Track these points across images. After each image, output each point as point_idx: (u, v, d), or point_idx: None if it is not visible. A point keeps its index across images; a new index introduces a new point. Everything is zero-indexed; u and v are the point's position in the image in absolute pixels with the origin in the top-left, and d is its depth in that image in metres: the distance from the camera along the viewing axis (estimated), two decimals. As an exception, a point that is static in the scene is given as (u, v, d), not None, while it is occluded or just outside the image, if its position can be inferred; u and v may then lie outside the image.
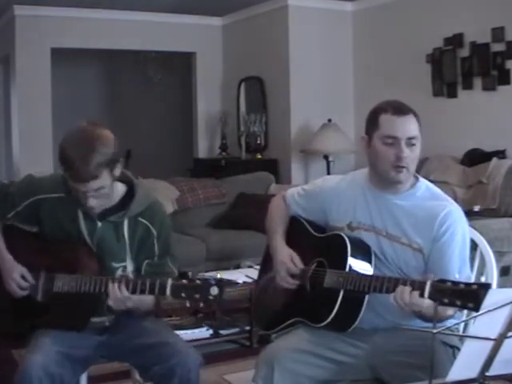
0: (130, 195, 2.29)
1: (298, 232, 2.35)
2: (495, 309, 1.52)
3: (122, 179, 2.30)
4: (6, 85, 8.06)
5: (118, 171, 2.18)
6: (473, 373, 1.60)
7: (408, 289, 1.86)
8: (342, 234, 2.15)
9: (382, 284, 1.95)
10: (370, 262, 2.11)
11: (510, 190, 4.80)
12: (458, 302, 1.74)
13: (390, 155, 2.07)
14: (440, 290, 1.78)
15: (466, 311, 2.21)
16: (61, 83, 7.94)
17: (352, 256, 2.09)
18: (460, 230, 2.10)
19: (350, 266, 2.08)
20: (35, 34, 6.75)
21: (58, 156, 2.11)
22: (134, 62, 8.83)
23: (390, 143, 2.07)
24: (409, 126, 2.07)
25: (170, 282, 2.03)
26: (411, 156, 2.08)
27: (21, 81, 6.89)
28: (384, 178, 2.12)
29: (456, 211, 2.12)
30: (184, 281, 2.02)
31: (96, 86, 9.04)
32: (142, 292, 2.09)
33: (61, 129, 8.64)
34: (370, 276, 2.03)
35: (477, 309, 1.71)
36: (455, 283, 1.76)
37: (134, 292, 2.10)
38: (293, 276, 2.24)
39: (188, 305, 2.02)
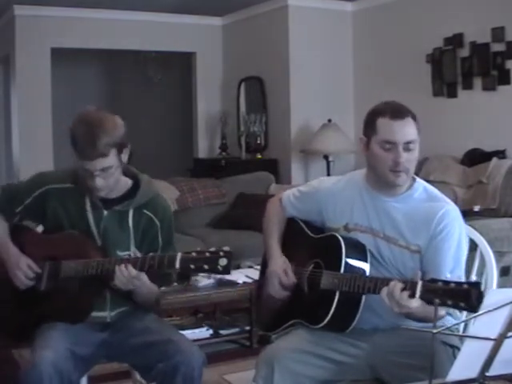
0: (134, 187, 2.37)
1: (296, 233, 2.35)
2: (495, 309, 1.52)
3: (128, 174, 2.38)
4: (6, 85, 8.06)
5: (125, 157, 2.26)
6: (473, 373, 1.60)
7: (400, 285, 1.87)
8: (337, 235, 2.15)
9: (376, 285, 1.96)
10: (365, 262, 2.11)
11: (510, 190, 4.80)
12: (450, 302, 1.74)
13: (387, 160, 2.07)
14: (431, 290, 1.79)
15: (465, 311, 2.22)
16: (61, 83, 7.94)
17: (347, 256, 2.09)
18: (457, 230, 2.10)
19: (346, 267, 2.08)
20: (35, 34, 6.75)
21: (70, 136, 2.19)
22: (134, 61, 8.83)
23: (388, 148, 2.06)
24: (406, 130, 2.07)
25: (179, 254, 2.06)
26: (410, 159, 2.08)
27: (21, 81, 6.89)
28: (383, 180, 2.12)
29: (453, 211, 2.12)
30: (193, 253, 2.04)
31: (96, 86, 9.04)
32: (151, 267, 2.12)
33: (61, 129, 8.62)
34: (364, 277, 2.03)
35: (468, 308, 1.72)
36: (446, 283, 1.76)
37: (142, 268, 2.12)
38: (285, 287, 2.24)
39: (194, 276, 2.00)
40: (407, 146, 2.06)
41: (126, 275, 2.13)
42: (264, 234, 2.42)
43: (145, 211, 2.35)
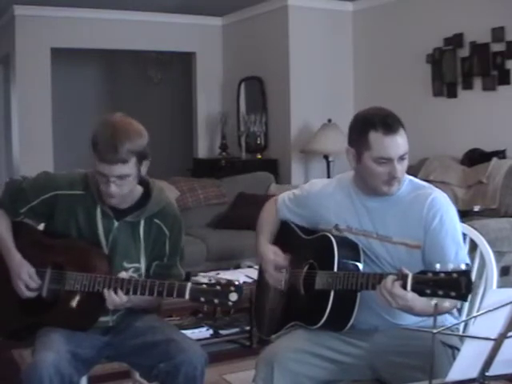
0: (145, 196, 2.31)
1: (289, 236, 2.36)
2: (495, 309, 1.52)
3: (138, 181, 2.30)
4: (6, 85, 8.07)
5: (144, 169, 2.21)
6: (473, 373, 1.60)
7: (391, 278, 1.88)
8: (328, 235, 2.15)
9: (368, 280, 1.97)
10: (358, 260, 2.11)
11: (510, 190, 4.80)
12: (441, 292, 1.74)
13: (383, 174, 2.06)
14: (421, 282, 1.80)
15: (465, 311, 2.22)
16: (61, 83, 7.95)
17: (339, 255, 2.09)
18: (449, 213, 2.10)
19: (339, 266, 2.08)
20: (35, 33, 6.76)
21: (92, 137, 2.13)
22: (134, 61, 8.84)
23: (383, 162, 2.06)
24: (400, 144, 2.05)
25: (189, 285, 2.03)
26: (403, 169, 2.09)
27: (21, 81, 6.89)
28: (376, 192, 2.13)
29: (441, 197, 2.13)
30: (204, 285, 2.01)
31: (96, 86, 9.04)
32: (160, 294, 2.09)
33: (61, 129, 8.62)
34: (357, 274, 2.04)
35: (459, 297, 1.72)
36: (436, 273, 1.77)
37: (150, 293, 2.09)
38: (281, 267, 2.25)
39: (206, 308, 1.98)
40: (401, 158, 2.07)
41: (117, 301, 2.11)
42: (256, 235, 2.42)
43: (155, 220, 2.31)
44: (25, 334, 2.32)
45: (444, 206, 2.10)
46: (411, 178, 2.21)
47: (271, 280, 2.28)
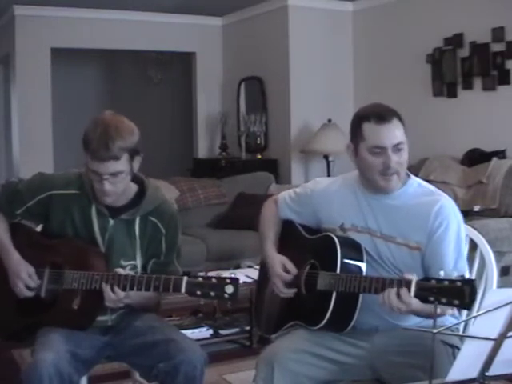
0: (140, 194, 2.32)
1: (291, 235, 2.35)
2: (495, 309, 1.52)
3: (134, 179, 2.31)
4: (6, 85, 8.07)
5: (137, 165, 2.22)
6: (473, 373, 1.60)
7: (394, 290, 1.88)
8: (332, 235, 2.15)
9: (371, 284, 1.96)
10: (361, 261, 2.11)
11: (510, 190, 4.80)
12: (444, 300, 1.74)
13: (377, 164, 2.07)
14: (425, 289, 1.79)
15: (465, 311, 2.22)
16: (61, 83, 7.95)
17: (342, 256, 2.09)
18: (454, 223, 2.10)
19: (341, 267, 2.08)
20: (35, 33, 6.77)
21: (83, 136, 2.15)
22: (134, 61, 8.84)
23: (377, 152, 2.06)
24: (394, 133, 2.06)
25: (185, 279, 2.04)
26: (399, 161, 2.07)
27: (21, 81, 6.90)
28: (374, 185, 2.13)
29: (449, 205, 2.12)
30: (200, 279, 2.03)
31: (96, 86, 9.04)
32: (156, 288, 2.10)
33: (61, 129, 8.63)
34: (360, 276, 2.03)
35: (462, 305, 1.72)
36: (440, 281, 1.77)
37: (147, 289, 2.10)
38: (289, 284, 2.23)
39: (202, 302, 1.99)
40: (396, 148, 2.06)
41: (114, 298, 2.12)
42: (260, 236, 2.42)
43: (151, 218, 2.31)
44: (24, 334, 2.32)
45: (450, 215, 2.10)
46: (421, 181, 2.21)
47: (283, 295, 2.25)
